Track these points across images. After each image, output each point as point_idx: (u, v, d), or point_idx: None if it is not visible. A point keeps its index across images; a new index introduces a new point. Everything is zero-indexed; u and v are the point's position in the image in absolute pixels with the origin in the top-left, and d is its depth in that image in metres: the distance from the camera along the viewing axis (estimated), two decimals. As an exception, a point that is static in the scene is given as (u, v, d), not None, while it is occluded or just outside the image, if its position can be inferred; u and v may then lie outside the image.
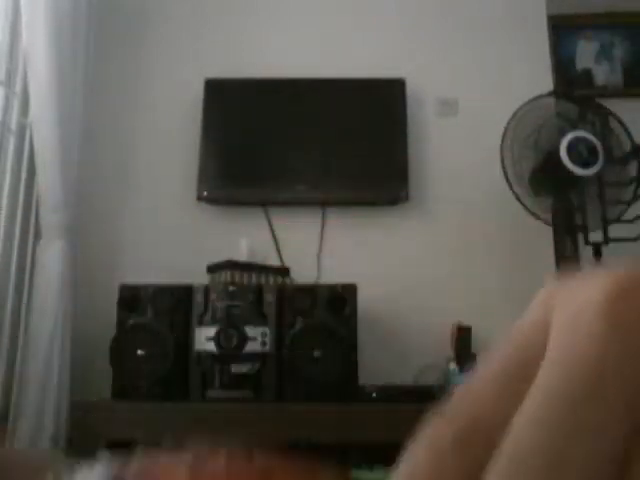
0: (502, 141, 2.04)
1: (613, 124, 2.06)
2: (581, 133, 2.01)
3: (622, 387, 0.37)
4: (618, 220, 2.02)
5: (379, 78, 2.42)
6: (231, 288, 1.89)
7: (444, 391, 1.55)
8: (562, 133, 2.01)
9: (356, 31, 2.53)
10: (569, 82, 2.75)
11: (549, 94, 2.10)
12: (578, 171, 1.97)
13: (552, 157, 2.00)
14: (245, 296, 1.88)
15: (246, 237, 2.28)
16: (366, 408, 1.82)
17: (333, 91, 2.43)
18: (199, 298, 1.90)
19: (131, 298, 1.90)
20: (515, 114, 2.05)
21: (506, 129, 2.05)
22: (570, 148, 1.98)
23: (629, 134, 2.05)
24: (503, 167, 2.03)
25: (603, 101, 2.16)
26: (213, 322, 1.87)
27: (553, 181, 2.04)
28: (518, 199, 2.03)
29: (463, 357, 2.04)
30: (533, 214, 2.04)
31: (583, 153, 1.97)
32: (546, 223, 2.07)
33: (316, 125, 2.39)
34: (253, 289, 1.91)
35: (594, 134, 2.02)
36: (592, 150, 1.97)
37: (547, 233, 2.10)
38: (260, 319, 1.87)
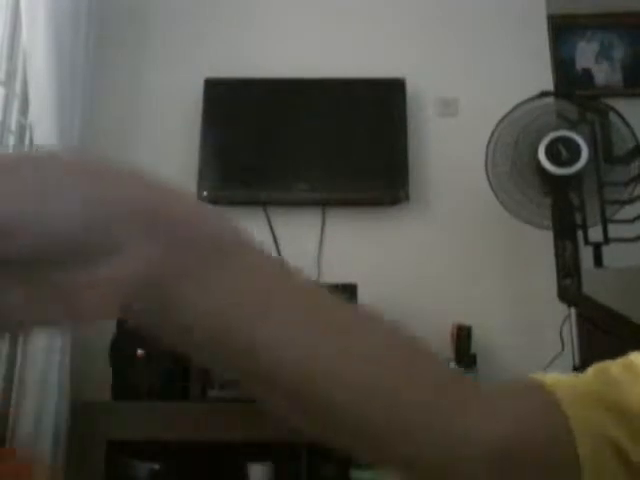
0: (486, 155, 2.09)
1: (615, 123, 2.06)
2: (564, 132, 2.01)
3: None
4: (618, 220, 2.02)
5: (379, 78, 2.42)
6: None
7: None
8: (543, 134, 2.02)
9: (356, 31, 2.53)
10: (569, 82, 2.74)
11: (539, 96, 2.10)
12: (556, 170, 1.99)
13: (533, 158, 2.03)
14: (245, 296, 1.88)
15: (246, 237, 2.28)
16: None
17: (333, 91, 2.43)
18: (199, 298, 1.90)
19: (131, 298, 1.90)
20: (498, 125, 2.09)
21: (490, 138, 2.09)
22: (551, 148, 1.99)
23: (633, 133, 2.05)
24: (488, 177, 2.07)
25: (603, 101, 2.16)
26: (213, 322, 1.87)
27: (545, 181, 2.06)
28: (502, 203, 2.09)
29: (463, 357, 2.04)
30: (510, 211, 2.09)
31: (562, 152, 1.98)
32: (534, 224, 2.10)
33: (316, 125, 2.39)
34: (253, 289, 1.91)
35: (593, 133, 2.02)
36: (577, 149, 1.99)
37: (547, 233, 2.10)
38: (260, 319, 1.87)
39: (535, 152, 2.03)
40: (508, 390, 0.45)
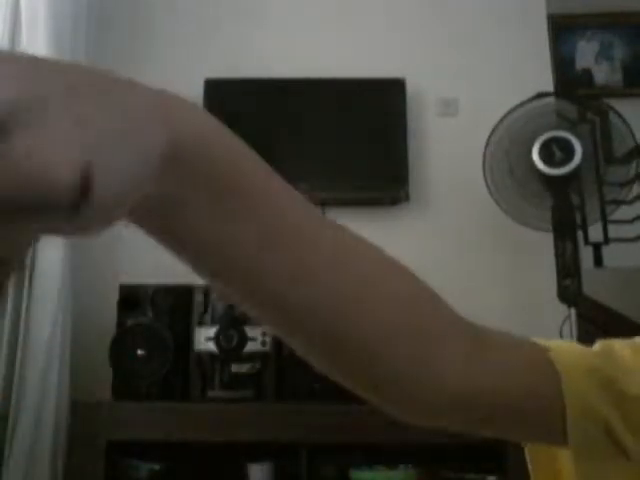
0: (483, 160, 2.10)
1: (615, 123, 2.05)
2: (557, 133, 2.01)
3: None
4: (618, 220, 2.02)
5: (379, 78, 2.42)
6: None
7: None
8: (538, 135, 2.03)
9: (356, 31, 2.53)
10: (569, 82, 2.74)
11: (535, 97, 2.10)
12: (550, 171, 1.99)
13: (529, 160, 2.04)
14: (245, 296, 1.88)
15: (246, 237, 2.28)
16: (366, 408, 1.81)
17: (333, 91, 2.43)
18: (199, 298, 1.90)
19: (131, 298, 1.90)
20: (494, 129, 2.10)
21: (488, 141, 2.10)
22: (546, 149, 2.00)
23: (632, 133, 2.05)
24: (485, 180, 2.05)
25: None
26: (213, 322, 1.87)
27: (543, 183, 2.06)
28: (498, 204, 2.09)
29: (463, 357, 2.04)
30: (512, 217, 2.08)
31: (556, 152, 1.99)
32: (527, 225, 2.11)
33: (316, 125, 2.39)
34: (253, 289, 1.91)
35: (593, 133, 2.02)
36: (571, 149, 1.99)
37: (547, 233, 2.10)
38: (260, 319, 1.87)
39: (531, 153, 2.04)
40: (507, 340, 0.46)
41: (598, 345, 0.47)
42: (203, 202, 0.32)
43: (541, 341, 0.46)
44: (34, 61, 0.26)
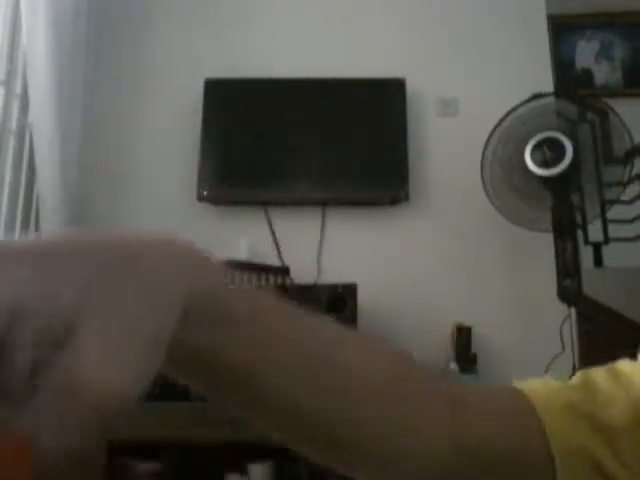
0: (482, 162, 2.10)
1: (615, 123, 2.05)
2: (550, 134, 2.01)
3: None
4: (618, 220, 2.02)
5: (379, 78, 2.42)
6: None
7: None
8: (532, 136, 2.03)
9: (356, 31, 2.53)
10: (569, 82, 2.74)
11: (532, 98, 2.10)
12: (543, 172, 1.99)
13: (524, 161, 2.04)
14: (245, 296, 1.88)
15: (246, 237, 2.28)
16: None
17: (333, 91, 2.43)
18: (199, 298, 1.90)
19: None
20: (493, 131, 2.10)
21: (486, 144, 2.10)
22: (540, 149, 2.00)
23: (631, 133, 2.04)
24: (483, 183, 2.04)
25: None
26: (213, 322, 1.87)
27: (542, 183, 2.06)
28: (495, 206, 2.09)
29: (463, 357, 2.04)
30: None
31: (546, 153, 1.99)
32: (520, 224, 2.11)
33: (316, 125, 2.39)
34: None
35: (592, 134, 2.02)
36: (562, 149, 2.00)
37: (547, 233, 2.09)
38: (260, 319, 1.87)
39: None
40: (486, 394, 0.46)
41: (577, 377, 0.48)
42: (207, 329, 0.34)
43: (519, 384, 0.47)
44: (49, 259, 0.26)
